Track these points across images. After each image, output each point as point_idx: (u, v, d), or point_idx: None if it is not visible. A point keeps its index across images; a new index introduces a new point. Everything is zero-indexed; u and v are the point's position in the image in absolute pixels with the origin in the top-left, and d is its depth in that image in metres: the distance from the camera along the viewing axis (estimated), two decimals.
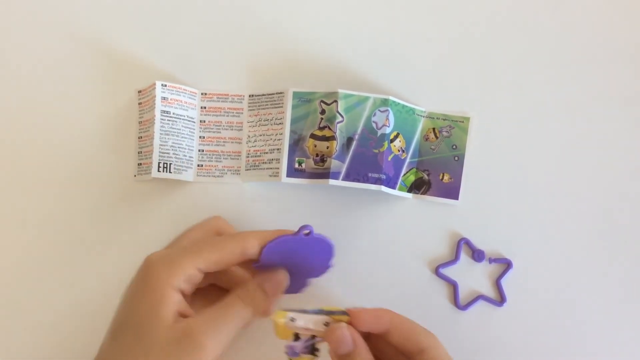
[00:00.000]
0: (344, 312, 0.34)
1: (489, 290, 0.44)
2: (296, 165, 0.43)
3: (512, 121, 0.45)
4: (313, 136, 0.43)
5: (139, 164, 0.45)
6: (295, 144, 0.43)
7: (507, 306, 0.44)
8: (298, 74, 0.46)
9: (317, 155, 0.42)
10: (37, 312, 0.44)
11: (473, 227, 0.45)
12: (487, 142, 0.45)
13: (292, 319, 0.34)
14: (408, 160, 0.45)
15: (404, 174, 0.45)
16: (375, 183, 0.42)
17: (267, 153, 0.44)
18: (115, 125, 0.46)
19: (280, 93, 0.44)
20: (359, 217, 0.45)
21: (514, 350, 0.44)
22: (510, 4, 0.46)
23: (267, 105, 0.45)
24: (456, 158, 0.45)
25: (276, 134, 0.44)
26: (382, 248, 0.45)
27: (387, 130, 0.43)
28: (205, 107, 0.46)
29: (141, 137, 0.45)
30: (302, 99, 0.43)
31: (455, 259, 0.44)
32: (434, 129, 0.45)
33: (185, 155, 0.45)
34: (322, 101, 0.43)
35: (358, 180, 0.42)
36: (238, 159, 0.45)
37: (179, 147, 0.44)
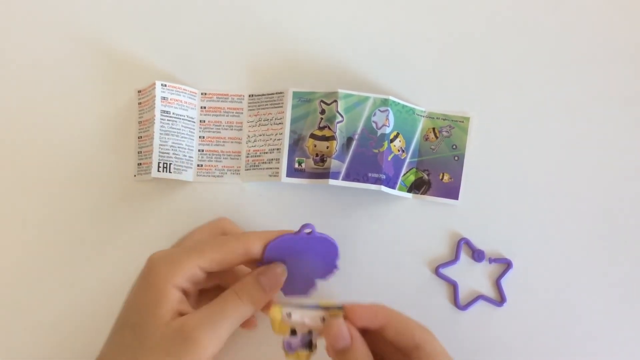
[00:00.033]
0: (340, 308, 0.34)
1: (489, 290, 0.44)
2: (296, 165, 0.43)
3: (512, 121, 0.45)
4: (313, 136, 0.43)
5: (139, 164, 0.45)
6: (295, 144, 0.43)
7: (507, 306, 0.44)
8: (298, 74, 0.46)
9: (317, 155, 0.42)
10: (37, 312, 0.44)
11: (473, 227, 0.45)
12: (487, 142, 0.45)
13: (289, 314, 0.34)
14: (408, 160, 0.45)
15: (404, 174, 0.45)
16: (375, 183, 0.42)
17: (267, 153, 0.44)
18: (115, 125, 0.46)
19: (280, 93, 0.44)
20: (358, 217, 0.45)
21: (514, 350, 0.44)
22: (510, 4, 0.46)
23: (267, 105, 0.45)
24: (456, 158, 0.45)
25: (276, 134, 0.44)
26: (382, 248, 0.45)
27: (387, 130, 0.43)
28: (205, 107, 0.46)
29: (141, 137, 0.45)
30: (302, 98, 0.43)
31: (455, 259, 0.44)
32: (434, 128, 0.45)
33: (185, 155, 0.45)
34: (322, 101, 0.43)
35: (358, 180, 0.42)
36: (238, 158, 0.45)
37: (178, 147, 0.44)
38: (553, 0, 0.46)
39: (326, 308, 0.34)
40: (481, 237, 0.45)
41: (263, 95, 0.45)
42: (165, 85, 0.44)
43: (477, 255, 0.44)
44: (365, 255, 0.44)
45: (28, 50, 0.46)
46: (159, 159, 0.43)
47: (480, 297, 0.44)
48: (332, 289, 0.44)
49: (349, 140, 0.42)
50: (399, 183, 0.44)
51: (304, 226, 0.35)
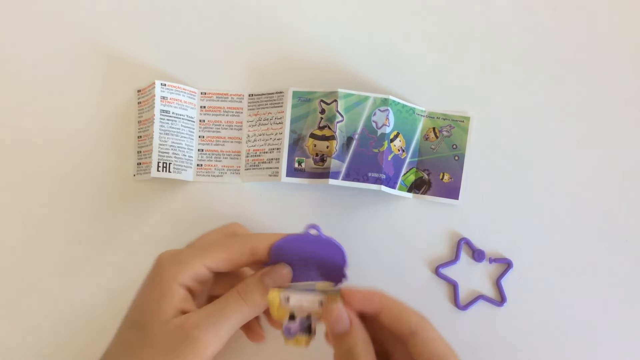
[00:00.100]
0: (337, 291, 0.34)
1: (489, 290, 0.44)
2: (296, 165, 0.43)
3: (513, 121, 0.45)
4: (313, 136, 0.43)
5: (139, 164, 0.45)
6: (295, 144, 0.43)
7: (507, 306, 0.44)
8: (298, 74, 0.46)
9: (316, 154, 0.42)
10: (37, 312, 0.44)
11: (473, 226, 0.45)
12: (487, 142, 0.45)
13: (287, 299, 0.34)
14: (408, 159, 0.45)
15: (404, 174, 0.45)
16: (375, 183, 0.42)
17: (266, 152, 0.44)
18: (115, 124, 0.45)
19: (280, 92, 0.44)
20: (359, 217, 0.45)
21: (514, 350, 0.44)
22: (511, 3, 0.46)
23: (267, 104, 0.45)
24: (456, 158, 0.45)
25: (276, 134, 0.44)
26: (382, 248, 0.44)
27: (387, 129, 0.43)
28: (204, 107, 0.46)
29: (140, 136, 0.45)
30: (301, 98, 0.43)
31: (455, 259, 0.44)
32: (434, 128, 0.45)
33: (185, 155, 0.44)
34: (322, 101, 0.43)
35: (358, 180, 0.42)
36: (238, 158, 0.45)
37: (178, 147, 0.44)
38: (553, 0, 0.46)
39: (324, 292, 0.34)
40: (481, 237, 0.44)
41: (263, 94, 0.45)
42: (165, 85, 0.44)
43: (477, 255, 0.44)
44: (365, 255, 0.44)
45: (27, 49, 0.46)
46: (158, 159, 0.43)
47: (481, 297, 0.44)
48: None
49: (349, 139, 0.42)
50: (399, 183, 0.44)
51: (310, 226, 0.35)
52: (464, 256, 0.44)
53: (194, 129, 0.45)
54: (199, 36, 0.46)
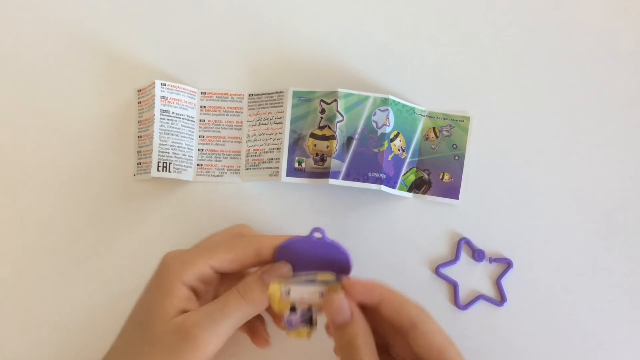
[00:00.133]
0: (338, 282, 0.34)
1: (489, 290, 0.44)
2: (296, 165, 0.43)
3: (513, 121, 0.45)
4: (313, 135, 0.43)
5: (139, 164, 0.45)
6: (295, 144, 0.43)
7: (507, 306, 0.44)
8: (298, 73, 0.46)
9: (317, 154, 0.42)
10: (36, 312, 0.44)
11: (473, 226, 0.45)
12: (487, 142, 0.45)
13: (288, 291, 0.34)
14: (408, 159, 0.45)
15: (404, 174, 0.45)
16: (375, 182, 0.42)
17: (266, 152, 0.44)
18: (115, 124, 0.45)
19: (280, 92, 0.44)
20: (358, 216, 0.45)
21: (514, 350, 0.43)
22: (511, 3, 0.46)
23: (267, 104, 0.45)
24: (456, 157, 0.45)
25: (276, 133, 0.44)
26: (382, 248, 0.44)
27: (387, 129, 0.43)
28: (204, 106, 0.46)
29: (140, 136, 0.45)
30: (302, 98, 0.43)
31: (455, 258, 0.44)
32: (434, 128, 0.45)
33: (185, 155, 0.44)
34: (322, 100, 0.43)
35: (358, 180, 0.42)
36: (238, 158, 0.45)
37: (178, 147, 0.44)
38: (553, 0, 0.46)
39: (325, 282, 0.34)
40: (481, 236, 0.44)
41: (263, 94, 0.45)
42: (165, 85, 0.44)
43: (478, 255, 0.44)
44: (365, 255, 0.44)
45: (27, 49, 0.46)
46: (158, 159, 0.43)
47: (481, 296, 0.44)
48: None
49: (349, 139, 0.42)
50: (399, 182, 0.44)
51: (314, 229, 0.35)
52: (464, 256, 0.44)
53: (194, 128, 0.45)
54: (199, 36, 0.46)
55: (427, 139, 0.45)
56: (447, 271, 0.44)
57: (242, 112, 0.46)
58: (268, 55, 0.46)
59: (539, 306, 0.44)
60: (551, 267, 0.44)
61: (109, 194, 0.45)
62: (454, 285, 0.44)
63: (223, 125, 0.45)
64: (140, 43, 0.46)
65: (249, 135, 0.45)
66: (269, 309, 0.39)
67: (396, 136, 0.44)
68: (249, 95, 0.45)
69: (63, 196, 0.45)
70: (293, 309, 0.34)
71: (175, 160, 0.44)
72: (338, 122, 0.42)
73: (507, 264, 0.44)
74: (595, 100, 0.45)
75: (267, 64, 0.46)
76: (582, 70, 0.46)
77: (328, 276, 0.35)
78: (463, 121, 0.45)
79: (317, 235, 0.35)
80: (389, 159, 0.43)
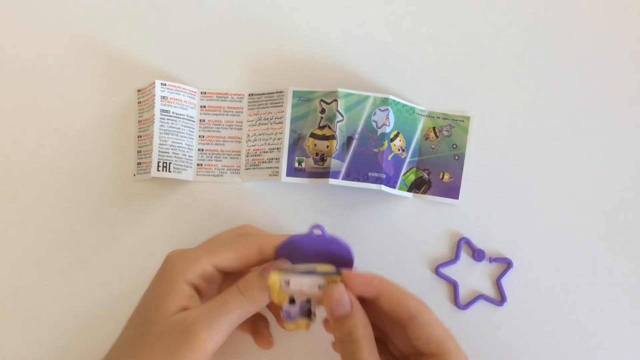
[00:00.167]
0: (338, 273, 0.34)
1: (489, 290, 0.44)
2: (296, 165, 0.43)
3: (513, 121, 0.45)
4: (313, 135, 0.43)
5: (139, 163, 0.45)
6: (295, 143, 0.43)
7: (507, 306, 0.44)
8: (298, 73, 0.46)
9: (317, 154, 0.42)
10: (36, 312, 0.44)
11: (473, 226, 0.45)
12: (487, 142, 0.45)
13: (287, 282, 0.34)
14: (408, 159, 0.45)
15: (404, 173, 0.45)
16: (375, 182, 0.42)
17: (266, 152, 0.44)
18: (115, 124, 0.45)
19: (280, 92, 0.44)
20: (359, 216, 0.45)
21: (514, 350, 0.43)
22: (511, 3, 0.46)
23: (267, 104, 0.45)
24: (456, 157, 0.45)
25: (276, 133, 0.44)
26: (382, 247, 0.44)
27: (387, 129, 0.43)
28: (204, 106, 0.46)
29: (140, 136, 0.45)
30: (302, 98, 0.43)
31: (455, 258, 0.44)
32: (434, 128, 0.45)
33: (185, 155, 0.44)
34: (322, 100, 0.43)
35: (358, 180, 0.42)
36: (238, 158, 0.45)
37: (178, 146, 0.44)
38: (553, 0, 0.46)
39: (324, 274, 0.34)
40: (481, 236, 0.44)
41: (263, 94, 0.45)
42: (165, 85, 0.44)
43: (478, 254, 0.44)
44: (365, 255, 0.44)
45: (27, 49, 0.46)
46: (158, 158, 0.43)
47: (481, 296, 0.44)
48: None
49: (349, 139, 0.42)
50: (399, 182, 0.44)
51: (314, 226, 0.35)
52: (464, 256, 0.44)
53: (194, 128, 0.45)
54: (199, 36, 0.46)
55: (427, 138, 0.45)
56: (447, 271, 0.44)
57: (242, 112, 0.46)
58: (268, 55, 0.46)
59: (539, 306, 0.44)
60: (551, 267, 0.44)
61: (109, 194, 0.45)
62: (454, 285, 0.44)
63: (223, 125, 0.45)
64: (140, 43, 0.46)
65: (249, 135, 0.45)
66: (271, 308, 0.38)
67: (396, 136, 0.44)
68: (249, 95, 0.45)
69: (63, 196, 0.45)
70: (292, 300, 0.34)
71: (175, 160, 0.44)
72: (338, 121, 0.42)
73: (507, 264, 0.44)
74: (595, 100, 0.45)
75: (267, 64, 0.46)
76: (582, 70, 0.46)
77: (328, 267, 0.35)
78: (463, 121, 0.45)
79: (317, 232, 0.35)
80: (389, 158, 0.43)
